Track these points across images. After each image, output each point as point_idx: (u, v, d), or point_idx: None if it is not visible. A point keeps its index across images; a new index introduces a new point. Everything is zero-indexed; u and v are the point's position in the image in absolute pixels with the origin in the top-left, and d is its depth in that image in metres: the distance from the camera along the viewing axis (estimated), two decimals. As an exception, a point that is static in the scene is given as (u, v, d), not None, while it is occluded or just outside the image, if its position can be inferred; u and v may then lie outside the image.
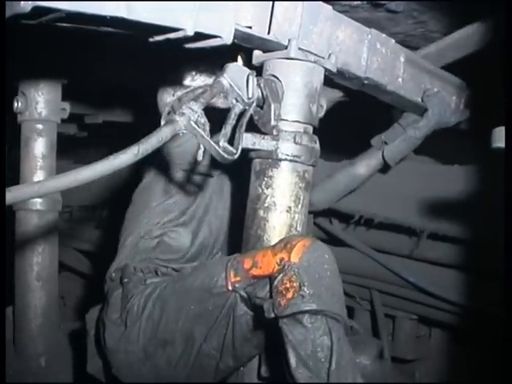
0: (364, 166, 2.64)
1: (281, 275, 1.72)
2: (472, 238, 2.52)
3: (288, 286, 1.70)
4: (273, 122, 1.87)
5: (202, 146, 1.68)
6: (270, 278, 1.78)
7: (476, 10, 2.25)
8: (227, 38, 1.69)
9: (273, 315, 1.71)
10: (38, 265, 3.24)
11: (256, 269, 1.84)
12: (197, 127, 1.64)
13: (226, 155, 1.69)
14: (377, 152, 2.59)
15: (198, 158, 1.70)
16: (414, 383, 3.17)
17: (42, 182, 1.44)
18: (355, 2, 2.46)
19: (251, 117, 1.84)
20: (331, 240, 3.08)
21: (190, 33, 1.60)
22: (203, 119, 1.67)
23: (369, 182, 2.78)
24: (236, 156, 1.73)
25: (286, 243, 1.78)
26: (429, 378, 3.16)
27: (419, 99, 2.40)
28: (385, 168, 2.64)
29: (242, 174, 2.16)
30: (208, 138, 1.67)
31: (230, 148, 1.71)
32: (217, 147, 1.68)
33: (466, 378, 2.84)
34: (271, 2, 1.79)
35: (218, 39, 1.69)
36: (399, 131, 2.51)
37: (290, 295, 1.69)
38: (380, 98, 2.39)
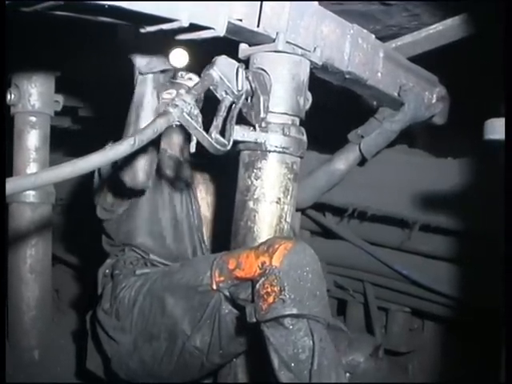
0: (342, 160, 2.68)
1: (262, 279, 1.73)
2: (464, 231, 2.53)
3: (269, 290, 1.70)
4: (262, 114, 1.87)
5: (194, 137, 1.69)
6: (253, 281, 1.79)
7: (468, 3, 2.27)
8: (220, 30, 1.70)
9: (254, 320, 1.71)
10: (31, 257, 3.25)
11: (239, 270, 1.84)
12: (190, 119, 1.65)
13: (218, 147, 1.71)
14: (354, 146, 2.64)
15: (191, 150, 1.70)
16: (406, 383, 3.16)
17: (39, 174, 1.44)
18: (349, -6, 2.47)
19: (240, 109, 1.84)
20: (325, 233, 3.08)
21: (186, 24, 1.61)
22: (196, 111, 1.68)
23: (362, 176, 2.80)
24: (228, 147, 1.74)
25: (268, 246, 1.78)
26: (422, 371, 3.16)
27: (396, 94, 2.44)
28: (362, 161, 2.68)
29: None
30: (201, 130, 1.68)
31: (222, 139, 1.73)
32: (210, 139, 1.69)
33: (458, 370, 2.84)
34: (260, -4, 1.81)
35: (211, 31, 1.70)
36: (375, 125, 2.56)
37: (270, 300, 1.69)
38: (359, 93, 2.43)
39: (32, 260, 3.24)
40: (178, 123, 1.66)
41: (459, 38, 2.45)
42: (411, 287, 2.78)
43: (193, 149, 1.70)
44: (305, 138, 2.00)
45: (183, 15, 1.59)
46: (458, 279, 2.61)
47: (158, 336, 2.07)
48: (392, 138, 2.56)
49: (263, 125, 1.91)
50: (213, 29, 1.69)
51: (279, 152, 1.92)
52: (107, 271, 2.39)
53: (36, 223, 3.26)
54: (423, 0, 2.36)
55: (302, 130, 2.00)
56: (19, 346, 3.29)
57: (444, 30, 2.46)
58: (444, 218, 2.53)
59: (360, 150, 2.60)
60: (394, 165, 2.81)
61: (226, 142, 1.74)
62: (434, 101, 2.69)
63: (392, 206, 2.70)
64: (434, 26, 2.49)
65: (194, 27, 1.66)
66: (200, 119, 1.70)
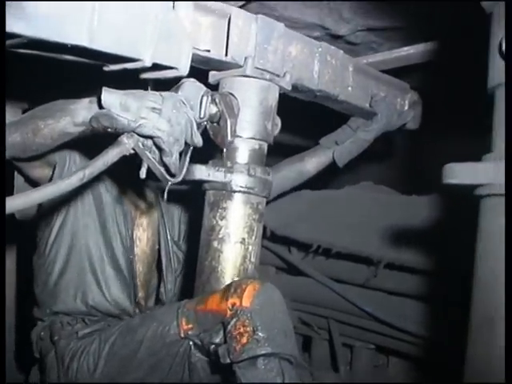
0: (314, 164, 2.66)
1: (234, 320, 1.73)
2: (430, 268, 2.53)
3: (242, 330, 1.71)
4: (229, 138, 1.88)
5: (145, 164, 1.68)
6: (224, 324, 1.78)
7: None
8: (183, 70, 1.71)
9: (228, 361, 1.70)
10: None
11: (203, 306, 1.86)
12: (143, 148, 1.64)
13: (169, 177, 1.70)
14: (326, 151, 2.63)
15: (141, 177, 1.69)
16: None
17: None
18: (315, 34, 2.50)
19: (207, 132, 1.85)
20: (290, 269, 3.07)
21: (148, 64, 1.62)
22: (149, 141, 1.67)
23: (327, 212, 2.80)
24: (179, 179, 1.73)
25: (235, 287, 1.79)
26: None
27: (367, 105, 2.48)
28: (334, 169, 2.68)
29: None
30: (154, 160, 1.67)
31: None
32: (162, 169, 1.68)
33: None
34: (227, 24, 1.83)
35: (174, 71, 1.70)
36: (349, 133, 2.58)
37: (244, 340, 1.70)
38: (331, 107, 2.46)
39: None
40: (131, 152, 1.65)
41: (427, 60, 2.51)
42: (376, 324, 2.78)
43: (143, 175, 1.69)
44: (270, 177, 2.01)
45: (146, 55, 1.59)
46: (423, 316, 2.61)
47: None
48: (365, 146, 2.59)
49: (229, 165, 1.91)
50: (176, 68, 1.70)
51: (244, 192, 1.93)
52: (42, 334, 2.28)
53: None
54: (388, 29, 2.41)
55: (268, 170, 2.01)
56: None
57: (413, 53, 2.57)
58: (409, 255, 2.53)
59: (333, 157, 2.61)
60: (360, 202, 2.83)
61: (178, 173, 1.73)
62: (406, 107, 2.71)
63: (357, 243, 2.69)
64: (405, 49, 2.60)
65: (157, 66, 1.66)
66: (154, 148, 1.68)
